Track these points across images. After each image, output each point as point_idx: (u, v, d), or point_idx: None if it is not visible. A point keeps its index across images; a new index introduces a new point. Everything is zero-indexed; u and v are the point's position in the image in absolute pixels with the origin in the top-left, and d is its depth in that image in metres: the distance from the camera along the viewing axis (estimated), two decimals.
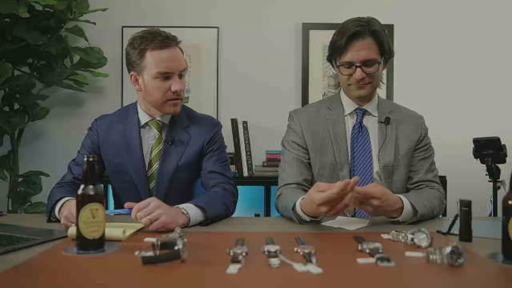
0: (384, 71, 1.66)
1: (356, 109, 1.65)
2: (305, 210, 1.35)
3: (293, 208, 1.39)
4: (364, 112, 1.64)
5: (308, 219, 1.37)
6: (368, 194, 1.31)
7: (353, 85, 1.58)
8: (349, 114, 1.65)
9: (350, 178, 1.56)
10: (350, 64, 1.54)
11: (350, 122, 1.65)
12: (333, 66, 1.65)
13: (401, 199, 1.39)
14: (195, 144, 1.65)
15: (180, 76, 1.59)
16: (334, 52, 1.58)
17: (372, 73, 1.55)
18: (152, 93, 1.58)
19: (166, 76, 1.55)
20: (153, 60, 1.54)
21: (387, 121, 1.63)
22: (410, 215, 1.39)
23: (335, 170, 1.60)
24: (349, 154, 1.60)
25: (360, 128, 1.63)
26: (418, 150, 1.64)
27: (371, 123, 1.64)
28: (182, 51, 1.62)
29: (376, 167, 1.60)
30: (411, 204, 1.39)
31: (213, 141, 1.68)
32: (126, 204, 1.31)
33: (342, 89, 1.68)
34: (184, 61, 1.61)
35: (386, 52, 1.57)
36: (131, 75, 1.62)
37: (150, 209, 1.26)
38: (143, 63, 1.55)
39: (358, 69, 1.53)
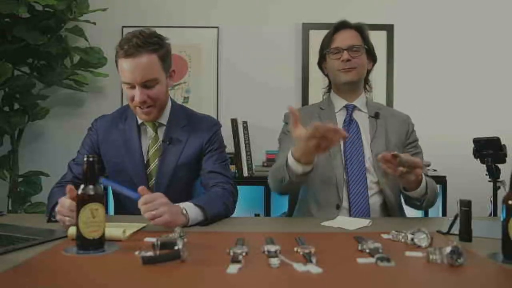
0: (372, 76, 1.79)
1: (346, 105, 1.74)
2: (296, 154, 1.41)
3: (287, 165, 1.44)
4: (354, 107, 1.74)
5: (300, 169, 1.41)
6: (415, 163, 1.38)
7: (340, 70, 1.69)
8: (340, 110, 1.75)
9: (344, 166, 1.65)
10: (337, 50, 1.70)
11: (341, 118, 1.75)
12: (322, 70, 1.81)
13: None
14: (193, 144, 1.65)
15: (146, 86, 1.52)
16: (324, 46, 1.75)
17: (357, 57, 1.68)
18: (128, 98, 1.60)
19: (129, 85, 1.54)
20: (119, 68, 1.55)
21: (376, 116, 1.73)
22: (424, 191, 1.50)
23: (328, 159, 1.65)
24: (341, 144, 1.67)
25: (350, 121, 1.72)
26: (409, 146, 1.72)
27: (361, 118, 1.74)
28: (163, 58, 1.54)
29: (368, 155, 1.66)
30: (426, 180, 1.50)
31: (212, 141, 1.68)
32: (140, 188, 1.29)
33: (332, 89, 1.81)
34: (151, 72, 1.51)
35: (369, 47, 1.72)
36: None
37: (156, 205, 1.28)
38: (118, 69, 1.57)
39: (345, 52, 1.68)
